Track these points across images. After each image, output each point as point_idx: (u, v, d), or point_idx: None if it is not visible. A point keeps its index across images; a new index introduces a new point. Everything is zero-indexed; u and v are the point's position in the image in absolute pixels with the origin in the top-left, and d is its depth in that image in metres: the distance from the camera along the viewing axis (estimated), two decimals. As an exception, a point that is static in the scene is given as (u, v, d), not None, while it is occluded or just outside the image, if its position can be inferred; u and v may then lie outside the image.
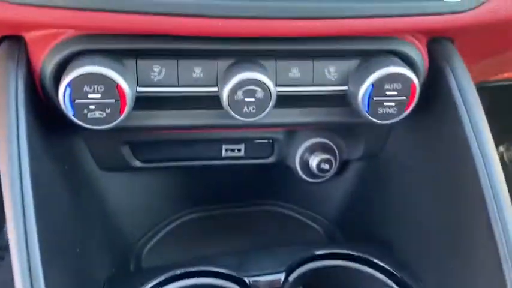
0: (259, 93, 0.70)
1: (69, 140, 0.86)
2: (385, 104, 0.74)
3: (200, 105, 0.76)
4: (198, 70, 0.71)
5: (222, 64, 0.72)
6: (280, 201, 1.19)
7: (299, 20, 0.67)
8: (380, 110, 0.75)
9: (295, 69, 0.74)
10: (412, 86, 0.74)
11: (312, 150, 1.01)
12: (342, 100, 0.79)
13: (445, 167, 0.80)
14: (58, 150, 0.78)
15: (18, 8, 0.62)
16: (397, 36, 0.76)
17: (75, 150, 0.88)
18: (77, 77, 0.65)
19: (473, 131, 0.73)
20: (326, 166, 1.00)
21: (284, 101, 0.75)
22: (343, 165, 1.07)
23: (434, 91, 0.80)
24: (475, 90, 0.77)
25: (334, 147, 1.02)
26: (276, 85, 0.73)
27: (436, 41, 0.80)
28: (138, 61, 0.70)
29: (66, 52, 0.67)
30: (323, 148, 1.02)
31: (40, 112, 0.70)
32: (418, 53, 0.78)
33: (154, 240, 1.09)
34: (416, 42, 0.79)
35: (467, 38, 0.82)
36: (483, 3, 0.72)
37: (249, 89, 0.69)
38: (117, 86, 0.65)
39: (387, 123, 0.77)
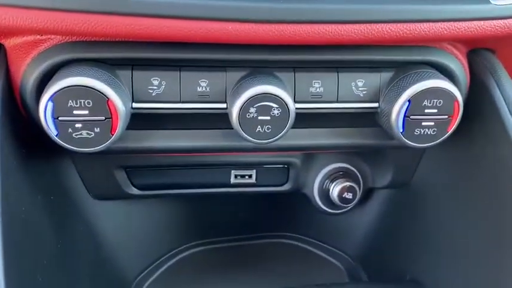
0: (276, 111, 0.64)
1: (56, 165, 0.79)
2: (423, 123, 0.67)
3: (206, 125, 0.71)
4: (203, 83, 0.66)
5: (232, 76, 0.66)
6: (295, 234, 1.14)
7: (322, 24, 0.61)
8: (417, 131, 0.68)
9: (317, 83, 0.68)
10: (455, 103, 0.67)
11: (332, 177, 0.95)
12: (371, 119, 0.72)
13: (490, 193, 0.73)
14: (42, 177, 0.72)
15: (-4, 9, 0.57)
16: (435, 45, 0.70)
17: (63, 177, 0.81)
18: (61, 89, 0.58)
19: None
20: (349, 195, 0.93)
21: (304, 119, 0.69)
22: (367, 194, 1.01)
23: (476, 107, 0.73)
24: None
25: (358, 174, 0.96)
26: (295, 101, 0.67)
27: (476, 52, 0.74)
28: (134, 72, 0.64)
29: (50, 61, 0.61)
30: (345, 175, 0.95)
31: (20, 132, 0.64)
32: (459, 65, 0.71)
33: (154, 277, 1.02)
34: (456, 52, 0.72)
35: (510, 49, 0.75)
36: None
37: (263, 105, 0.63)
38: (108, 101, 0.59)
39: (424, 147, 0.70)
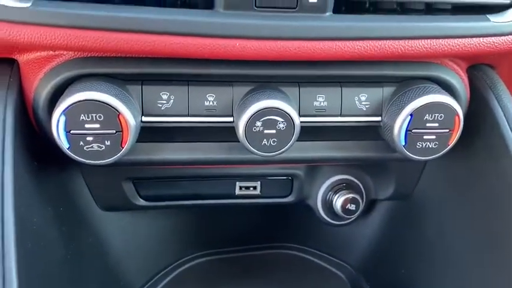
0: (281, 124, 0.64)
1: (66, 177, 0.79)
2: (425, 137, 0.67)
3: (213, 138, 0.71)
4: (211, 98, 0.66)
5: (239, 91, 0.67)
6: (299, 245, 1.13)
7: (326, 41, 0.61)
8: (419, 144, 0.68)
9: (321, 97, 0.68)
10: (455, 118, 0.67)
11: (336, 188, 0.95)
12: (374, 133, 0.72)
13: (491, 206, 0.73)
14: (52, 189, 0.72)
15: (11, 26, 0.57)
16: (437, 61, 0.70)
17: (72, 188, 0.81)
18: (73, 104, 0.59)
19: None
20: (352, 207, 0.93)
21: (308, 133, 0.70)
22: (370, 205, 1.00)
23: (477, 121, 0.73)
24: None
25: (361, 186, 0.96)
26: (300, 115, 0.67)
27: (476, 68, 0.74)
28: (144, 87, 0.65)
29: (62, 76, 0.62)
30: (348, 187, 0.95)
31: (32, 145, 0.64)
32: (460, 81, 0.72)
33: (159, 286, 1.01)
34: (457, 68, 0.72)
35: (509, 65, 0.76)
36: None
37: (269, 119, 0.63)
38: (119, 116, 0.60)
39: (426, 160, 0.70)
